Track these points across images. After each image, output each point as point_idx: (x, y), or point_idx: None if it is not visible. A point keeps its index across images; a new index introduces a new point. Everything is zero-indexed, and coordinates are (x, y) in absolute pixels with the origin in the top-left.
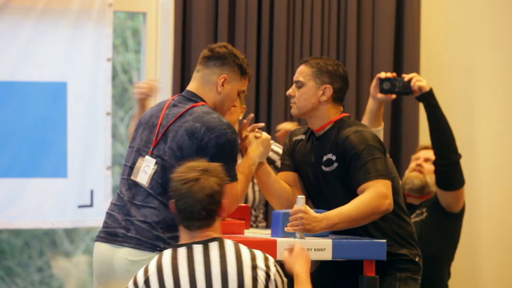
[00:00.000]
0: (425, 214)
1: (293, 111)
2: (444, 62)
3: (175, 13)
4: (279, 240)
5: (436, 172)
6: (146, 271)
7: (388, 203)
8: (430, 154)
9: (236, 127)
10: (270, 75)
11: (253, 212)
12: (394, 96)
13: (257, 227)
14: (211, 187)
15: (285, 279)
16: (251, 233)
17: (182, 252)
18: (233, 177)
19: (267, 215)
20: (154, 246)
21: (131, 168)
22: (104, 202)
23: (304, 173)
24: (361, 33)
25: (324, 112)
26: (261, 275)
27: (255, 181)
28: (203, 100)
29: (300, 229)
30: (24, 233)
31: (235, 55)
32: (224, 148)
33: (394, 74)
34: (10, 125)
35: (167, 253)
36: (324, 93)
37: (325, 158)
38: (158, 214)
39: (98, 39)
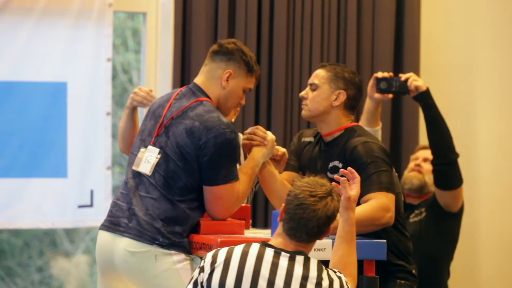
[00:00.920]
0: (424, 214)
1: (304, 113)
2: (444, 62)
3: (175, 13)
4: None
5: (434, 171)
6: (230, 252)
7: (389, 216)
8: (428, 154)
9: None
10: (270, 75)
11: None
12: (391, 95)
13: None
14: (333, 210)
15: None
16: (251, 233)
17: (269, 253)
18: (234, 177)
19: (267, 215)
20: (153, 239)
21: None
22: (104, 202)
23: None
24: (361, 33)
25: (335, 118)
26: None
27: None
28: (207, 95)
29: None
30: (24, 233)
31: (243, 51)
32: (223, 148)
33: (391, 73)
34: (10, 125)
35: (255, 247)
36: (337, 98)
37: (331, 164)
38: (159, 206)
39: (98, 39)
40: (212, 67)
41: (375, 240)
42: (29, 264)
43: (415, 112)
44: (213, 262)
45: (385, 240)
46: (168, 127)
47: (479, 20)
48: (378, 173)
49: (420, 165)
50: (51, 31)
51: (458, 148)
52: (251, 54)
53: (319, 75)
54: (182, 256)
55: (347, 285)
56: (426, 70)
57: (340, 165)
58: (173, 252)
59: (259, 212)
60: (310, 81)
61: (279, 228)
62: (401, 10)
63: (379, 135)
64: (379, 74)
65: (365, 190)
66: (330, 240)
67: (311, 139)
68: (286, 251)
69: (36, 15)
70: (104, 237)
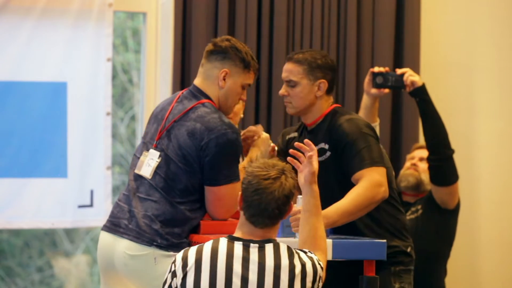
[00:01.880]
0: (420, 211)
1: (290, 110)
2: (444, 61)
3: (175, 13)
4: (279, 240)
5: (430, 167)
6: (199, 252)
7: (383, 190)
8: (424, 153)
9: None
10: (270, 75)
11: None
12: (387, 90)
13: None
14: (289, 188)
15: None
16: None
17: (238, 247)
18: (235, 177)
19: None
20: (152, 240)
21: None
22: (104, 202)
23: None
24: (361, 33)
25: (319, 106)
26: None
27: None
28: (207, 96)
29: None
30: (24, 233)
31: (237, 48)
32: (225, 148)
33: (387, 68)
34: (10, 125)
35: (223, 243)
36: (319, 88)
37: (318, 147)
38: (158, 208)
39: (98, 39)
40: (208, 67)
41: (375, 240)
42: (29, 264)
43: (415, 111)
44: (184, 265)
45: (385, 240)
46: (170, 129)
47: (479, 18)
48: (367, 148)
49: (416, 164)
50: (51, 31)
51: (457, 146)
52: (246, 50)
53: (293, 70)
54: None
55: (319, 263)
56: (426, 69)
57: (327, 146)
58: (172, 253)
59: None
60: (285, 77)
61: (241, 218)
62: (401, 9)
63: (377, 131)
64: (376, 69)
65: (355, 166)
66: (330, 240)
67: (294, 134)
68: (254, 242)
69: (36, 15)
70: (105, 238)
